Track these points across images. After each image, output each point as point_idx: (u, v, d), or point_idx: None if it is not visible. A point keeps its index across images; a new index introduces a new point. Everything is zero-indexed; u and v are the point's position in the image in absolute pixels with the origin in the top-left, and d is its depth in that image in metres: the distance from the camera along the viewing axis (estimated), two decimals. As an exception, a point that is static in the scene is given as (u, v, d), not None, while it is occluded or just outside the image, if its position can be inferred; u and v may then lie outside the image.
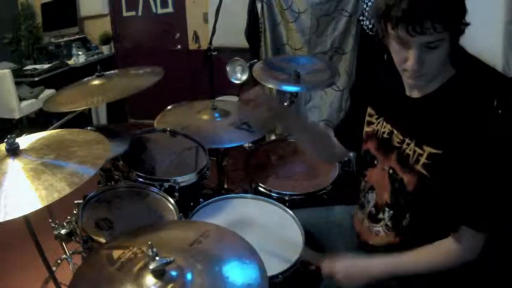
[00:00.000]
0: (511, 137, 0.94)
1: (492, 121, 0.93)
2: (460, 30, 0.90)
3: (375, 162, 1.14)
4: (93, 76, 1.75)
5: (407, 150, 1.02)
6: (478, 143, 0.90)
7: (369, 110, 1.18)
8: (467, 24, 0.90)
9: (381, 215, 1.12)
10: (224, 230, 1.11)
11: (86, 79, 1.78)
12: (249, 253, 0.99)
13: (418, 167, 0.98)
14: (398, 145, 1.05)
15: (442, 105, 0.96)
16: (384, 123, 1.11)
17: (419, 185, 0.99)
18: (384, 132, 1.11)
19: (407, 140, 1.02)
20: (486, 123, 0.91)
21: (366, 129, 1.19)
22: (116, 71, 1.87)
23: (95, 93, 1.61)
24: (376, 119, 1.15)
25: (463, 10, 0.88)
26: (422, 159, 0.97)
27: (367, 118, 1.19)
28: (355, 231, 1.26)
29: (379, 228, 1.13)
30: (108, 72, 1.79)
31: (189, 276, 0.89)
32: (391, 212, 1.09)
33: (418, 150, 0.98)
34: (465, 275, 1.02)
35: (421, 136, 0.99)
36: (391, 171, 1.07)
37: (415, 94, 1.02)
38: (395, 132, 1.07)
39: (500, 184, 0.92)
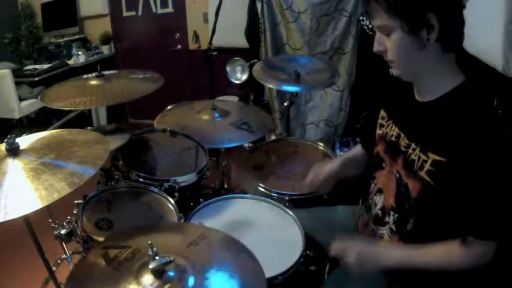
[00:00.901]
0: (510, 138, 0.93)
1: (494, 123, 0.92)
2: (419, 23, 0.88)
3: (383, 165, 1.14)
4: (93, 75, 1.74)
5: (412, 156, 1.01)
6: (485, 153, 0.88)
7: (382, 113, 1.18)
8: (427, 19, 0.87)
9: (386, 218, 1.12)
10: (221, 233, 1.11)
11: (85, 76, 1.77)
12: (247, 257, 0.99)
13: (422, 173, 0.97)
14: (404, 149, 1.04)
15: (448, 111, 0.94)
16: (393, 126, 1.11)
17: (423, 191, 0.98)
18: (392, 135, 1.10)
19: (413, 145, 1.01)
20: (493, 132, 0.90)
21: (378, 131, 1.18)
22: (116, 71, 1.87)
23: (93, 94, 1.60)
24: (387, 121, 1.15)
25: (421, 3, 0.87)
26: (427, 166, 0.96)
27: (380, 121, 1.18)
28: (359, 232, 1.25)
29: (384, 231, 1.13)
30: (107, 72, 1.79)
31: (188, 277, 0.89)
32: (396, 215, 1.08)
33: (423, 157, 0.97)
34: (467, 276, 1.02)
35: (426, 142, 0.98)
36: (397, 175, 1.06)
37: (423, 98, 1.02)
38: (402, 135, 1.06)
39: (506, 192, 0.90)
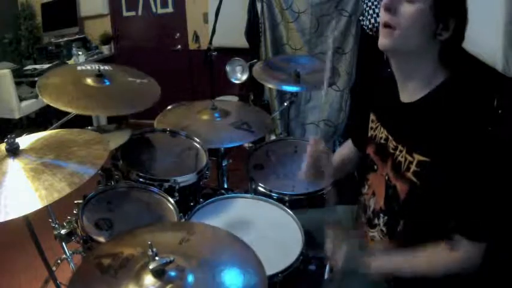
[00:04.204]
0: (510, 138, 0.93)
1: (491, 123, 0.92)
2: (442, 15, 0.89)
3: (375, 167, 1.14)
4: (87, 67, 1.69)
5: (399, 157, 1.01)
6: (469, 151, 0.88)
7: (371, 116, 1.18)
8: (448, 19, 0.89)
9: (376, 221, 1.12)
10: (211, 227, 1.11)
11: (79, 68, 1.70)
12: (243, 248, 1.00)
13: (409, 174, 0.97)
14: (392, 151, 1.04)
15: (431, 111, 0.94)
16: (382, 129, 1.11)
17: (410, 193, 0.98)
18: (381, 138, 1.11)
19: (399, 147, 1.02)
20: (479, 130, 0.89)
21: (369, 134, 1.19)
22: (112, 68, 1.79)
23: (94, 100, 1.54)
24: (376, 123, 1.15)
25: (454, 6, 0.89)
26: (413, 167, 0.96)
27: (370, 124, 1.19)
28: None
29: (374, 233, 1.13)
30: (105, 68, 1.74)
31: (189, 276, 0.89)
32: (385, 217, 1.08)
33: (409, 158, 0.97)
34: (464, 278, 1.02)
35: (411, 143, 0.98)
36: (387, 177, 1.06)
37: (407, 99, 1.02)
38: (390, 138, 1.07)
39: (495, 192, 0.90)
